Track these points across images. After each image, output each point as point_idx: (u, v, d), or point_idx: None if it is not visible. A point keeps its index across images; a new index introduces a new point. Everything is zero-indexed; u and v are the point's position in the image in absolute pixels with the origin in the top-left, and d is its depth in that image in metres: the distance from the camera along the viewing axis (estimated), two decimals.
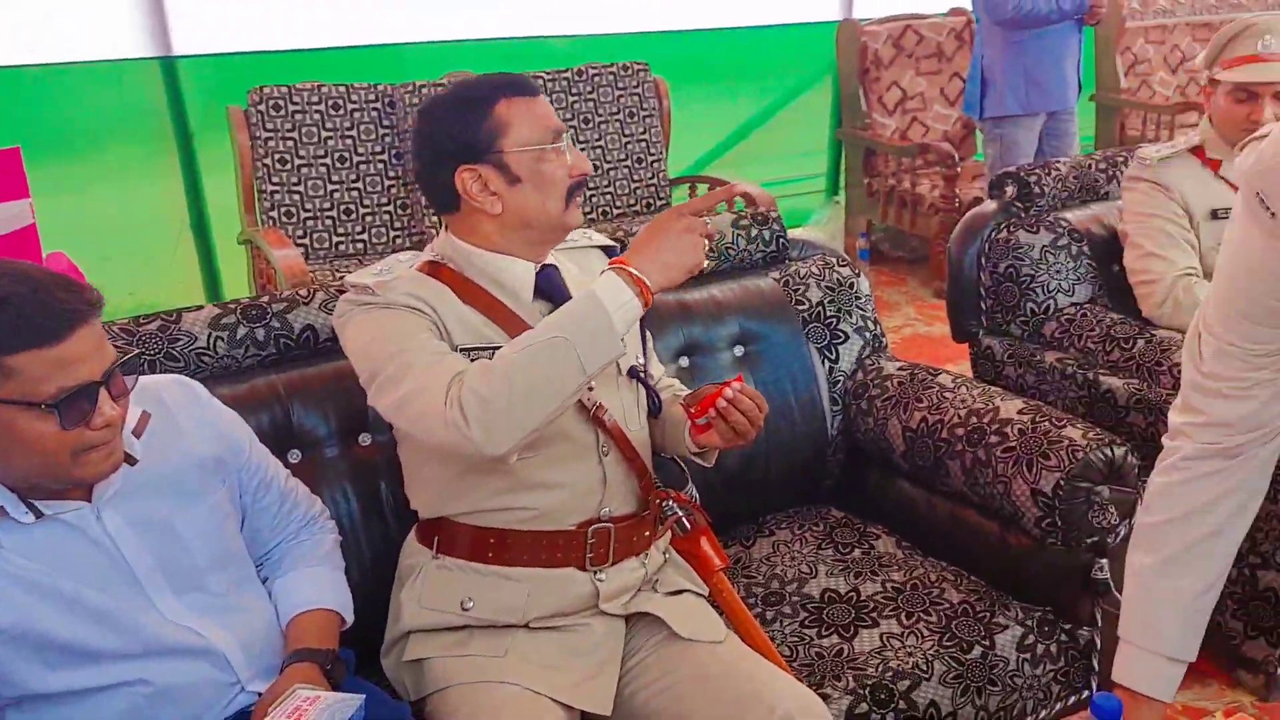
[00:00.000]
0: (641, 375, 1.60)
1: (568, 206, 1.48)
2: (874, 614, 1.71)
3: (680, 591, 1.58)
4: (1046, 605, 1.72)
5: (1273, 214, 1.16)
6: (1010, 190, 2.41)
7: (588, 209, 4.01)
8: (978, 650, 1.64)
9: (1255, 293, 1.22)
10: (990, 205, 2.43)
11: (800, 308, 2.07)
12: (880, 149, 4.59)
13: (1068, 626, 1.72)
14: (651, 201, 4.03)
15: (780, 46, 4.74)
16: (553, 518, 1.48)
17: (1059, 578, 1.72)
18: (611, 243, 1.68)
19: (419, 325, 1.43)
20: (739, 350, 2.02)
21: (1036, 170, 2.41)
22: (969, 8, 4.77)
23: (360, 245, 3.58)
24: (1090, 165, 2.48)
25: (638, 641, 1.53)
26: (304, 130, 3.46)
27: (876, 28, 4.61)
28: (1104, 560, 1.69)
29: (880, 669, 1.59)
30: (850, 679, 1.57)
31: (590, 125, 4.00)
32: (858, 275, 2.14)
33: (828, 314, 2.08)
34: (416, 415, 1.36)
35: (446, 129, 1.48)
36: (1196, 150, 2.27)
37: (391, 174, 3.62)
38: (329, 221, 3.54)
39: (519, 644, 1.46)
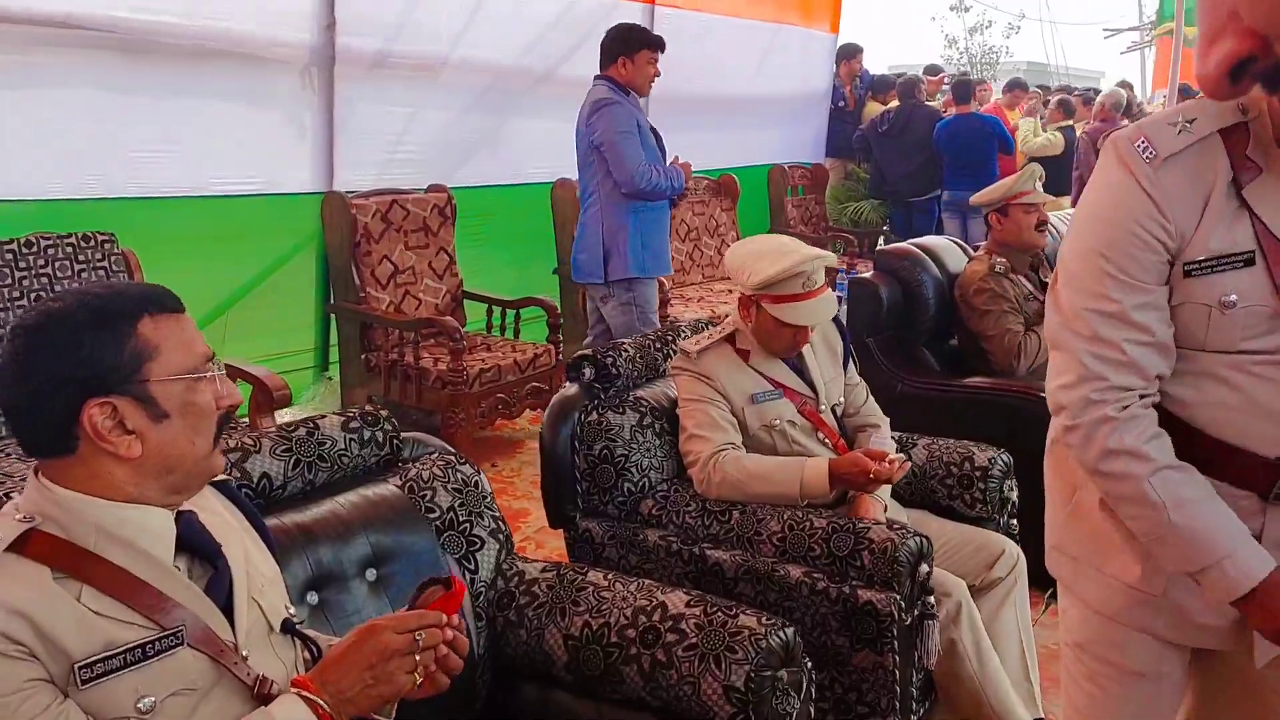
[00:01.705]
0: (296, 628, 1.37)
1: (215, 447, 1.28)
2: None
3: None
4: None
5: (1155, 154, 1.28)
6: (588, 372, 2.44)
7: None
8: None
9: (1119, 239, 1.31)
10: (573, 388, 2.44)
11: (431, 515, 1.88)
12: (379, 323, 4.47)
13: None
14: None
15: (261, 216, 4.46)
16: None
17: None
18: (224, 476, 1.42)
19: (16, 682, 1.09)
20: (371, 574, 1.77)
21: (610, 351, 2.47)
22: (446, 185, 4.93)
23: None
24: (649, 344, 2.61)
25: None
26: None
27: (364, 201, 4.54)
28: None
29: None
30: None
31: None
32: (479, 473, 2.01)
33: (460, 519, 1.91)
34: None
35: (71, 352, 1.16)
36: (730, 338, 2.46)
37: None
38: None
39: None
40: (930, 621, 2.12)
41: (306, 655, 1.38)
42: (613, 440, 2.34)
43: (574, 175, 5.55)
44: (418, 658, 1.24)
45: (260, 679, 1.25)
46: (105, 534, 1.19)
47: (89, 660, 1.12)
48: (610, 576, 1.88)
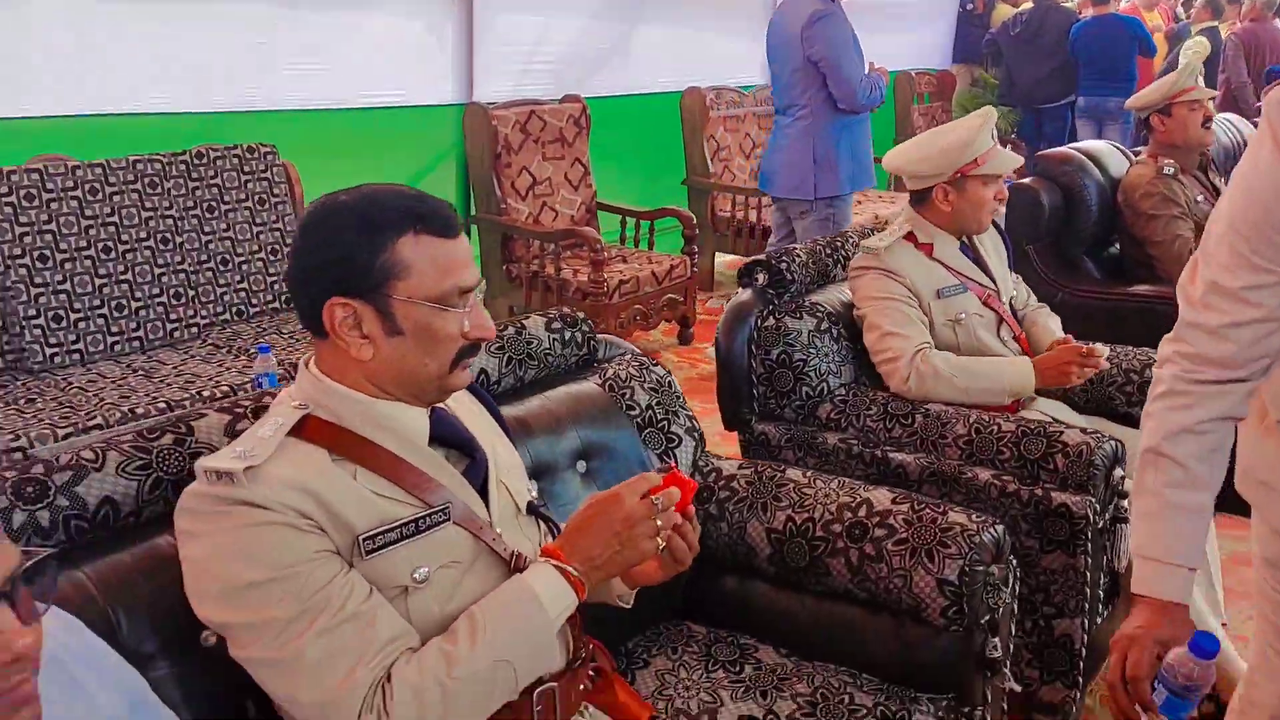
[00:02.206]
0: (541, 510, 1.43)
1: (453, 370, 1.27)
2: None
3: None
4: (949, 693, 1.72)
5: None
6: (762, 277, 2.45)
7: (219, 309, 3.50)
8: None
9: (1256, 218, 1.23)
10: (746, 294, 2.45)
11: (631, 413, 1.92)
12: (520, 234, 4.53)
13: (966, 710, 1.73)
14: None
15: (404, 128, 4.53)
16: None
17: (956, 662, 1.72)
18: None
19: (307, 553, 1.14)
20: (581, 466, 1.83)
21: (784, 257, 2.47)
22: (582, 96, 4.92)
23: (136, 343, 3.26)
24: (820, 250, 2.60)
25: None
26: None
27: (504, 112, 4.57)
28: (996, 639, 1.73)
29: None
30: None
31: (215, 214, 3.51)
32: (669, 373, 2.04)
33: (658, 417, 1.95)
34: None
35: (329, 249, 1.21)
36: (908, 237, 2.45)
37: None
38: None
39: None
40: (1122, 525, 2.11)
41: (549, 536, 1.44)
42: (790, 345, 2.35)
43: (703, 84, 5.50)
44: (659, 522, 1.25)
45: (515, 554, 1.31)
46: (368, 421, 1.25)
47: (371, 532, 1.19)
48: (809, 474, 1.91)
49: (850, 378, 2.44)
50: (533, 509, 1.43)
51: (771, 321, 2.38)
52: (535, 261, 4.48)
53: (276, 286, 3.63)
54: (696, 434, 2.00)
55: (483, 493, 1.34)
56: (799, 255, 2.52)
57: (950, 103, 7.67)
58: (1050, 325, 2.56)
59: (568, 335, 1.96)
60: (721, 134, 5.67)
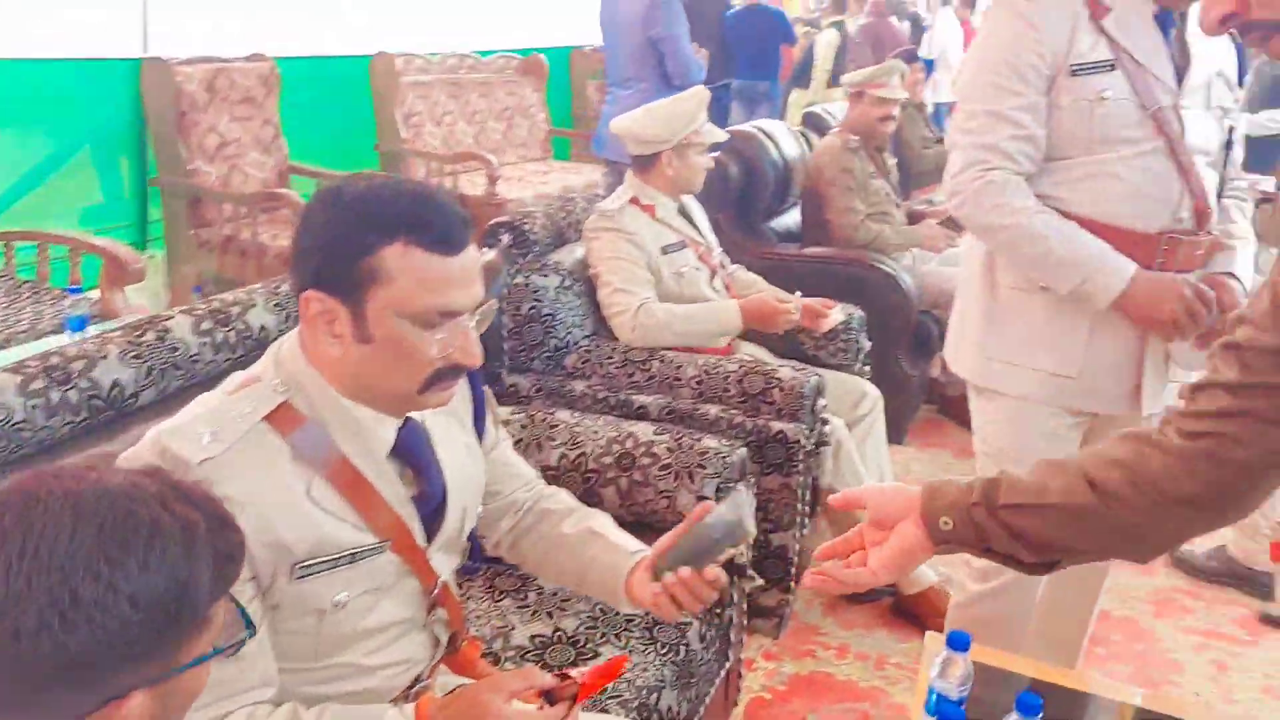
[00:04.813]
0: (476, 536, 1.50)
1: (427, 391, 1.21)
2: (590, 646, 1.79)
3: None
4: None
5: None
6: (506, 237, 2.60)
7: None
8: (683, 652, 1.84)
9: (1005, 56, 1.74)
10: (492, 253, 2.59)
11: None
12: (211, 197, 4.33)
13: (718, 610, 2.01)
14: None
15: (70, 83, 4.18)
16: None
17: None
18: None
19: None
20: None
21: (524, 219, 2.64)
22: (268, 54, 4.76)
23: None
24: (554, 212, 2.79)
25: None
26: None
27: (188, 69, 4.34)
28: (742, 546, 2.01)
29: (632, 690, 1.69)
30: (618, 706, 1.65)
31: None
32: None
33: None
34: None
35: (319, 234, 1.17)
36: (633, 201, 2.71)
37: None
38: None
39: None
40: (825, 447, 2.49)
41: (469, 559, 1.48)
42: (539, 300, 2.53)
43: (395, 50, 5.50)
44: None
45: (439, 582, 1.34)
46: (341, 422, 1.22)
47: (306, 561, 1.18)
48: (576, 415, 2.11)
49: (592, 330, 2.66)
50: (471, 535, 1.44)
51: (521, 279, 2.54)
52: (228, 226, 4.32)
53: None
54: None
55: (437, 513, 1.33)
56: (538, 217, 2.69)
57: None
58: (748, 279, 2.96)
59: (220, 337, 1.69)
60: (413, 100, 5.68)
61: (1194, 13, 1.75)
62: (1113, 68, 1.71)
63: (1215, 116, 1.82)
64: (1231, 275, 1.84)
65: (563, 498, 1.60)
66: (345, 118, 5.50)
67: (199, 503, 0.86)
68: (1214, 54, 1.82)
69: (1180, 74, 1.75)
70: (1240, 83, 1.90)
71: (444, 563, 1.38)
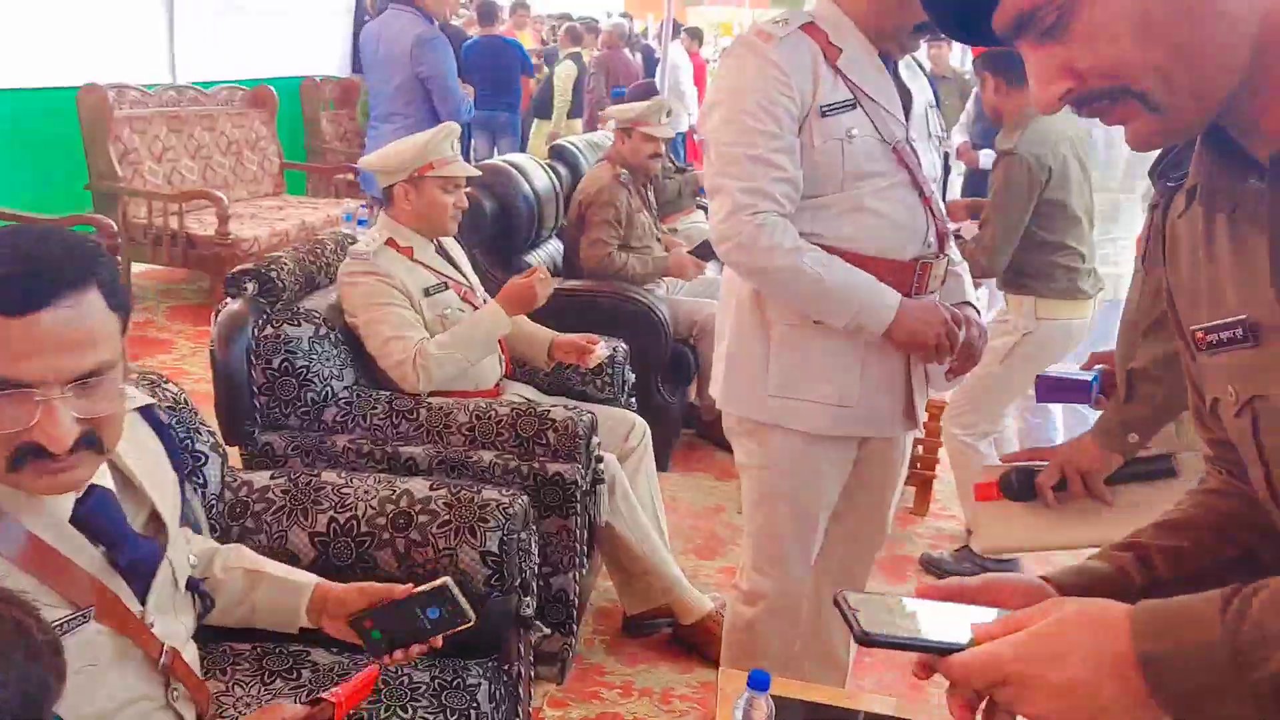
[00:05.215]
0: (199, 587, 1.39)
1: (14, 471, 1.07)
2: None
3: None
4: (492, 654, 1.91)
5: (770, 38, 1.79)
6: (251, 286, 2.43)
7: None
8: (472, 715, 1.76)
9: (757, 100, 1.76)
10: (237, 304, 2.41)
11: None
12: None
13: (506, 666, 1.94)
14: None
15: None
16: None
17: (496, 625, 1.93)
18: (149, 400, 1.35)
19: None
20: None
21: (271, 266, 2.47)
22: None
23: None
24: (303, 257, 2.63)
25: None
26: None
27: None
28: (529, 598, 1.96)
29: None
30: None
31: None
32: (183, 391, 1.97)
33: (181, 437, 1.88)
34: None
35: None
36: (389, 243, 2.61)
37: None
38: None
39: None
40: (601, 485, 2.48)
41: (199, 609, 1.39)
42: (292, 352, 2.38)
43: (106, 82, 5.10)
44: None
45: (166, 650, 1.24)
46: (4, 498, 1.12)
47: None
48: (344, 474, 1.98)
49: (353, 379, 2.52)
50: (191, 585, 1.35)
51: (270, 330, 2.38)
52: None
53: None
54: (221, 449, 1.97)
55: (149, 577, 1.25)
56: (286, 263, 2.54)
57: (355, 110, 7.85)
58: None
59: None
60: (129, 135, 5.25)
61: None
62: (854, 106, 1.81)
63: (934, 145, 1.96)
64: (968, 304, 1.98)
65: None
66: (49, 154, 5.02)
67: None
68: (923, 86, 1.97)
69: (906, 109, 1.87)
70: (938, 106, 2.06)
71: (170, 627, 1.29)
